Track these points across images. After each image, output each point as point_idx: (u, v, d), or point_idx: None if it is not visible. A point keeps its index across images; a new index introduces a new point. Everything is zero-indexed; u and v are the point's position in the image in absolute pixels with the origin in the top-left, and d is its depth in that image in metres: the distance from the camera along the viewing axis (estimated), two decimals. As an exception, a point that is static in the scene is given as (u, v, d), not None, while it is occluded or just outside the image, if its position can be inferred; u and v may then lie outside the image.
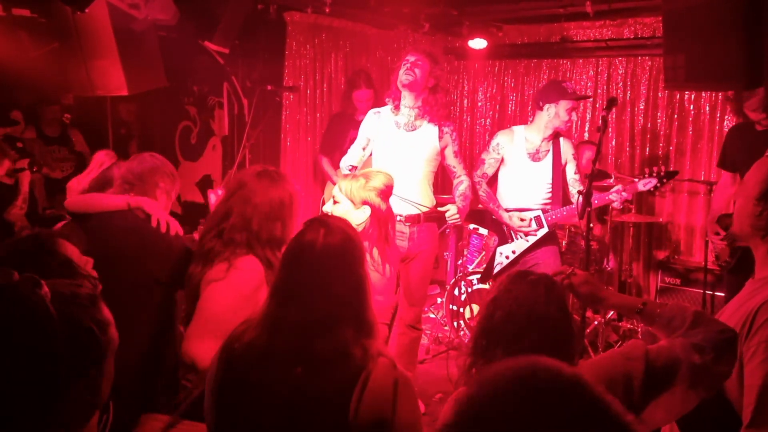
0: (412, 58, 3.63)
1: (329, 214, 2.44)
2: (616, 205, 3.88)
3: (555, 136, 3.92)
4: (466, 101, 6.61)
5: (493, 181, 4.09)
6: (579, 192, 3.68)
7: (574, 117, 3.88)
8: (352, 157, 3.75)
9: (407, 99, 3.66)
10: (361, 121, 3.85)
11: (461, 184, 3.72)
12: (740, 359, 1.52)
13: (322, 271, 1.55)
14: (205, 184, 5.99)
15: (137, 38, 3.72)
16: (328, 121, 5.38)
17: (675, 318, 1.52)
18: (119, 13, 3.51)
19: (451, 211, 3.55)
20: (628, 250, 5.26)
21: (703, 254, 4.58)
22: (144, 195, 2.56)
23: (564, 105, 3.80)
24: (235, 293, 2.05)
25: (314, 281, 1.55)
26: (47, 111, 5.15)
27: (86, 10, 3.12)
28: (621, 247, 5.36)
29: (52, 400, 1.07)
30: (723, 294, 4.48)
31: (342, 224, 1.64)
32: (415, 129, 3.68)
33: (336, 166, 4.96)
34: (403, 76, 3.60)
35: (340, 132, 5.02)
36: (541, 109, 3.89)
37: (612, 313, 4.86)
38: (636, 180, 3.92)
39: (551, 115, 3.84)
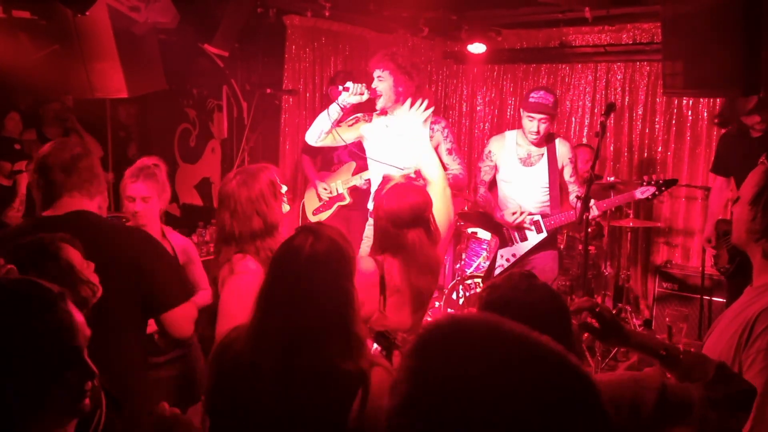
0: (375, 74, 3.57)
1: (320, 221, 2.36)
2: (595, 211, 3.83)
3: (549, 139, 3.89)
4: (464, 105, 6.62)
5: (492, 186, 4.10)
6: (577, 197, 3.70)
7: (533, 128, 3.73)
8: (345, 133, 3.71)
9: (390, 107, 3.67)
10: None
11: (451, 171, 3.68)
12: (740, 368, 1.53)
13: (306, 280, 1.49)
14: (204, 186, 6.00)
15: (137, 41, 3.73)
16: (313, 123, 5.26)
17: (695, 369, 1.48)
18: (119, 16, 3.52)
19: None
20: (626, 255, 5.27)
21: (701, 259, 4.60)
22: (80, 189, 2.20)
23: (523, 113, 3.79)
24: (239, 295, 2.13)
25: (298, 290, 1.49)
26: (48, 110, 5.15)
27: (87, 13, 3.12)
28: (619, 252, 5.37)
29: (30, 408, 1.12)
30: (721, 299, 4.50)
31: (332, 233, 1.57)
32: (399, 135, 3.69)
33: (317, 168, 4.94)
34: (377, 102, 3.58)
35: None
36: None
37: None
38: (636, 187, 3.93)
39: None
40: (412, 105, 3.54)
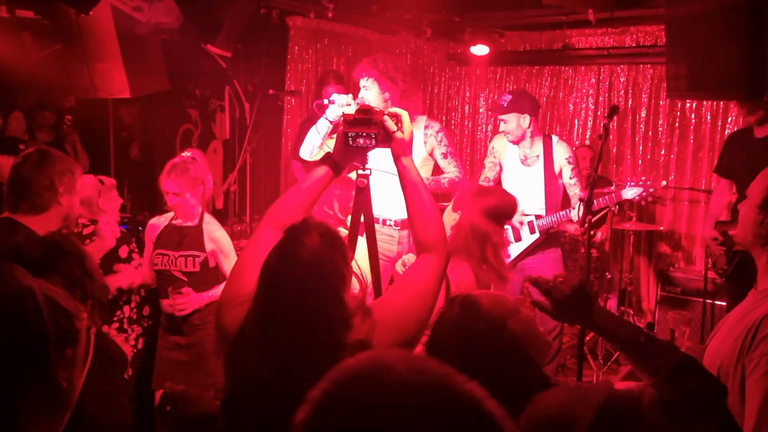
0: (362, 83, 3.52)
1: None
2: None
3: (546, 139, 3.90)
4: (467, 107, 6.62)
5: (498, 186, 4.11)
6: (580, 200, 3.70)
7: (501, 126, 3.89)
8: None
9: None
10: (334, 123, 3.72)
11: (446, 174, 3.66)
12: (743, 372, 1.52)
13: (305, 286, 1.42)
14: (206, 187, 5.98)
15: (140, 41, 3.73)
16: (299, 126, 5.15)
17: (653, 361, 1.35)
18: (123, 16, 3.52)
19: None
20: (628, 259, 5.26)
21: (704, 263, 4.58)
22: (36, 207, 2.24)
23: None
24: None
25: (292, 304, 1.42)
26: (38, 116, 5.17)
27: (90, 13, 3.12)
28: (621, 256, 5.36)
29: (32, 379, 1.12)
30: (723, 303, 4.48)
31: (316, 240, 1.47)
32: None
33: (307, 171, 4.91)
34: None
35: None
36: None
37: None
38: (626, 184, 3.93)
39: None
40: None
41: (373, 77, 3.49)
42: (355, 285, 1.54)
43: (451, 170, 3.64)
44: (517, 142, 3.89)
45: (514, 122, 3.81)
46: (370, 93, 3.51)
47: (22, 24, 3.53)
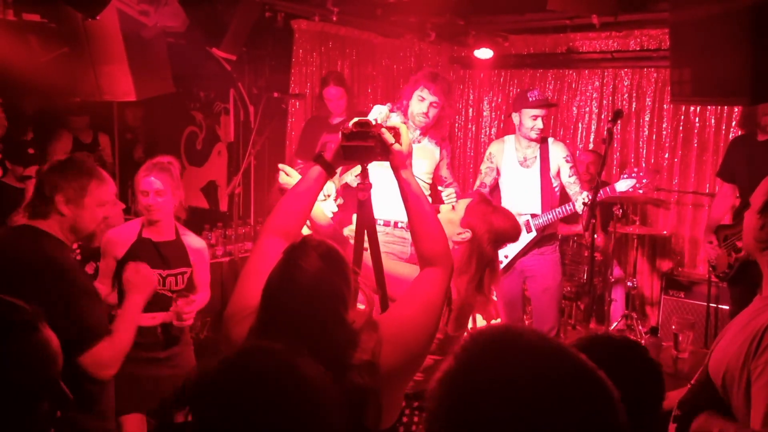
0: (432, 98, 3.51)
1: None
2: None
3: (543, 141, 3.95)
4: (471, 111, 6.62)
5: (494, 191, 4.13)
6: (583, 203, 3.71)
7: (539, 124, 3.84)
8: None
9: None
10: (336, 124, 3.79)
11: (451, 185, 3.78)
12: (748, 378, 1.52)
13: (310, 302, 1.41)
14: (210, 189, 6.01)
15: (146, 44, 3.74)
16: (303, 125, 5.22)
17: None
18: (129, 20, 3.53)
19: (448, 191, 3.54)
20: (631, 262, 5.25)
21: (708, 267, 4.58)
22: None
23: (526, 113, 3.87)
24: None
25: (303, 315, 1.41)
26: (76, 121, 5.21)
27: (97, 17, 3.13)
28: (625, 259, 5.35)
29: None
30: (727, 307, 4.48)
31: (326, 248, 1.48)
32: (418, 142, 3.70)
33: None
34: (417, 118, 3.54)
35: (314, 136, 4.69)
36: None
37: (615, 324, 4.85)
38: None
39: (517, 124, 3.94)
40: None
41: (444, 104, 3.56)
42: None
43: (450, 179, 3.82)
44: (538, 140, 3.92)
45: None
46: (435, 111, 3.56)
47: (28, 27, 3.55)
